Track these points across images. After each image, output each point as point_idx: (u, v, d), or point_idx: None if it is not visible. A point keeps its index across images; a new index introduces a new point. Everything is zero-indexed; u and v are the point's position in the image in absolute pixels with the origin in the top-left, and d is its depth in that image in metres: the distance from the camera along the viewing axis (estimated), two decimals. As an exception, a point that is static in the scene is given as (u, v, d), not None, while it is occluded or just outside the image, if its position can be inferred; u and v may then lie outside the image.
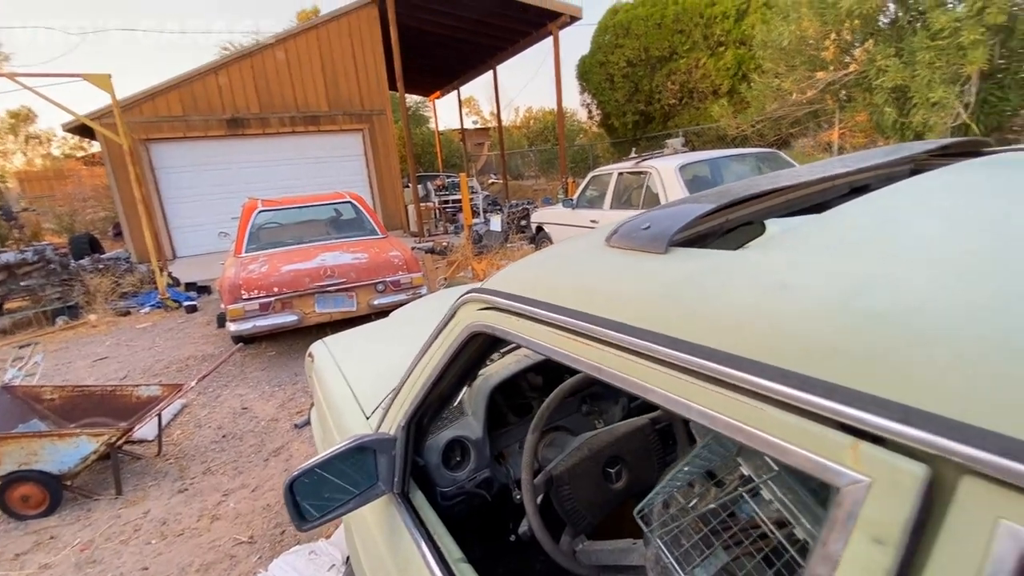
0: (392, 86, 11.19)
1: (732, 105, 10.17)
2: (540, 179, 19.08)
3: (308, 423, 2.88)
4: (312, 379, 2.11)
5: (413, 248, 7.88)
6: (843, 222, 0.62)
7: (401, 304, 3.77)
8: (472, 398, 1.36)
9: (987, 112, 6.73)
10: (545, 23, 11.45)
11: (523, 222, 9.57)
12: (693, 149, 7.01)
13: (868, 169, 0.89)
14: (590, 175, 6.18)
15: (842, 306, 0.42)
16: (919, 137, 7.13)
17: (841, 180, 0.86)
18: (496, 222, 9.28)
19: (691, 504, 1.03)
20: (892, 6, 7.39)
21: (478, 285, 0.87)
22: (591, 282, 0.68)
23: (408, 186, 11.48)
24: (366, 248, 4.73)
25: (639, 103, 13.60)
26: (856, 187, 0.91)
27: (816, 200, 0.88)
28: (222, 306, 4.30)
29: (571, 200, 6.45)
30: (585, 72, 14.98)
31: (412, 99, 23.41)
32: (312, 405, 2.15)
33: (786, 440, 0.39)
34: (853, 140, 9.14)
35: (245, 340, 4.56)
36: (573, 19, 11.22)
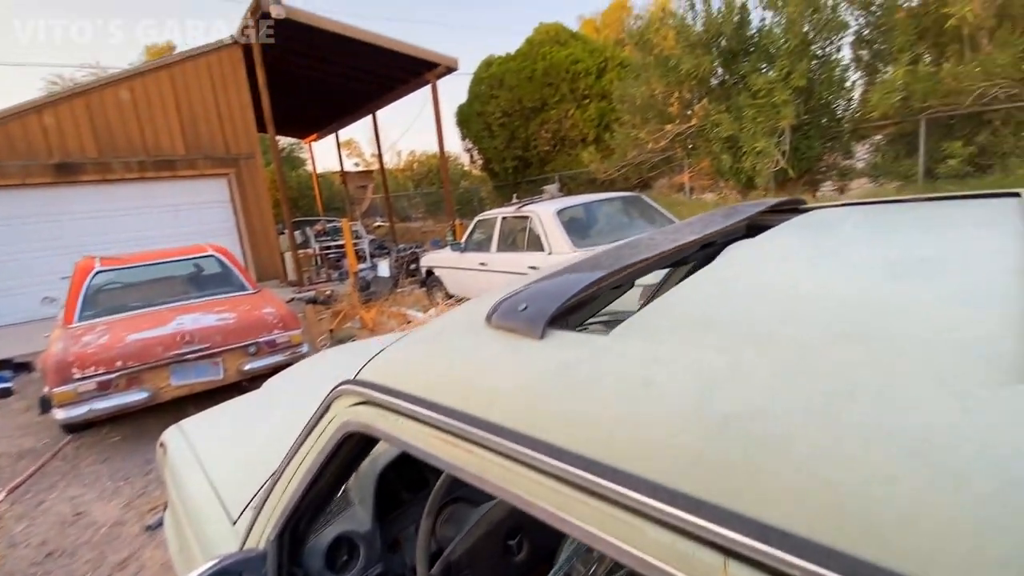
0: (262, 128, 10.57)
1: (599, 152, 11.18)
2: (428, 221, 19.06)
3: (163, 524, 2.44)
4: (165, 476, 1.80)
5: (292, 299, 7.33)
6: (696, 298, 0.66)
7: (279, 366, 3.43)
8: (359, 484, 1.24)
9: (798, 158, 8.15)
10: (422, 72, 11.70)
11: (412, 266, 9.40)
12: (569, 193, 7.51)
13: (713, 234, 1.01)
14: (476, 219, 6.29)
15: (698, 409, 0.42)
16: (751, 179, 8.38)
17: (692, 243, 0.96)
18: (384, 267, 9.00)
19: (592, 571, 1.02)
20: (720, 70, 8.77)
21: (351, 376, 0.79)
22: (470, 373, 0.64)
23: (284, 232, 10.75)
24: (234, 306, 4.26)
25: (517, 149, 14.33)
26: (705, 244, 1.04)
27: (675, 258, 0.98)
28: (46, 388, 3.56)
29: (459, 243, 6.49)
30: (464, 120, 15.50)
31: (287, 140, 22.27)
32: (167, 504, 1.82)
33: (664, 562, 0.37)
34: (700, 182, 10.48)
35: (79, 428, 3.81)
36: (450, 70, 11.60)
